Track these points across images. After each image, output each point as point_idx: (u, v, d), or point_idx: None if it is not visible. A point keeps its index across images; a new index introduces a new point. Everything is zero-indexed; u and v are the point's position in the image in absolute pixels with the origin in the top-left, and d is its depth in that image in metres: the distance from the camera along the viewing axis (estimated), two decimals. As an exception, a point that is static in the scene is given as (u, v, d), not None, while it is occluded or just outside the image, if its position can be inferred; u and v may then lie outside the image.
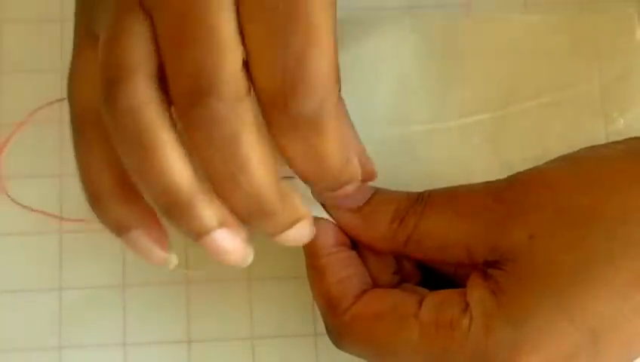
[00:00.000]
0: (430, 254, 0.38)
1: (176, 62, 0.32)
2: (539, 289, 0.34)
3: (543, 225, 0.35)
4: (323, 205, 0.39)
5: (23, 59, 0.47)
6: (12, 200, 0.44)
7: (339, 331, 0.38)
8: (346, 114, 0.37)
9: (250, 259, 0.35)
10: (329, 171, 0.34)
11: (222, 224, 0.34)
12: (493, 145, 0.44)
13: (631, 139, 0.38)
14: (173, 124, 0.33)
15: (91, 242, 0.44)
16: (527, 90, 0.45)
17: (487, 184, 0.38)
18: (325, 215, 0.39)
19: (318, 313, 0.39)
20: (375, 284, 0.39)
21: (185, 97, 0.32)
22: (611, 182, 0.36)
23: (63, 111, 0.37)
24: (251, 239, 0.35)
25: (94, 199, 0.35)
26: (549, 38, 0.45)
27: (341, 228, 0.39)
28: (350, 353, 0.38)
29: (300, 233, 0.36)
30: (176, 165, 0.32)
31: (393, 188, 0.39)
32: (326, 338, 0.38)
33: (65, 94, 0.36)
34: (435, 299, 0.37)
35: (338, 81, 0.33)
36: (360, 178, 0.37)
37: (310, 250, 0.39)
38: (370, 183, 0.39)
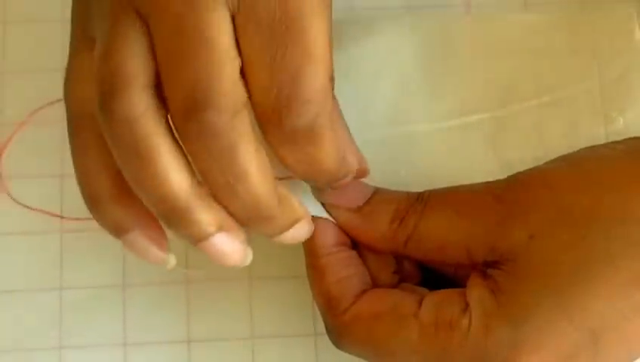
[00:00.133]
0: (430, 254, 0.38)
1: (172, 75, 0.32)
2: (538, 289, 0.34)
3: (542, 225, 0.35)
4: (323, 205, 0.39)
5: (25, 59, 0.47)
6: (13, 199, 0.44)
7: (338, 331, 0.38)
8: (338, 112, 0.37)
9: (249, 259, 0.36)
10: (326, 172, 0.35)
11: (220, 228, 0.34)
12: (493, 145, 0.44)
13: (630, 139, 0.38)
14: (170, 132, 0.33)
15: (92, 242, 0.44)
16: (526, 89, 0.45)
17: (487, 184, 0.38)
18: (325, 215, 0.39)
19: (318, 313, 0.39)
20: (375, 284, 0.39)
21: (181, 110, 0.32)
22: (611, 181, 0.36)
23: (64, 111, 0.37)
24: (250, 240, 0.35)
25: (92, 201, 0.35)
26: (548, 37, 0.45)
27: (341, 228, 0.39)
28: (350, 353, 0.38)
29: (299, 232, 0.36)
30: (172, 174, 0.32)
31: (393, 188, 0.39)
32: (326, 338, 0.38)
33: (66, 94, 0.36)
34: (434, 298, 0.37)
35: (332, 90, 0.33)
36: (355, 170, 0.37)
37: (310, 250, 0.39)
38: (371, 183, 0.39)
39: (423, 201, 0.38)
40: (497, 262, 0.36)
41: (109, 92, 0.32)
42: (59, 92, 0.44)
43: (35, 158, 0.45)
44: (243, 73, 0.32)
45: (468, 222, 0.37)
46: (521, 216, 0.36)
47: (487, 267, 0.36)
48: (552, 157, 0.38)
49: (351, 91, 0.44)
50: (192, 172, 0.33)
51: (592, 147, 0.38)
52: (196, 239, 0.34)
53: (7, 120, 0.46)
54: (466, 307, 0.35)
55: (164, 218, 0.34)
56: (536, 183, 0.37)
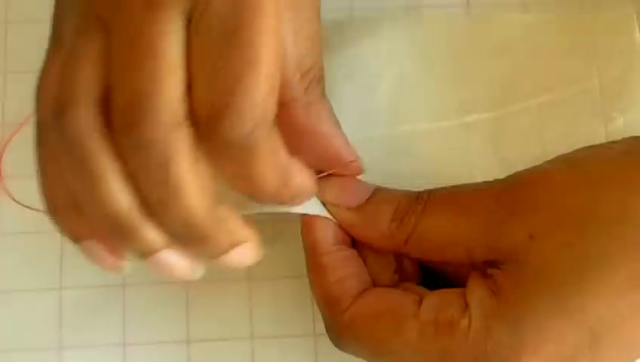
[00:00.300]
0: (430, 254, 0.38)
1: (117, 87, 0.31)
2: (538, 289, 0.34)
3: (542, 225, 0.35)
4: (324, 203, 0.39)
5: (26, 59, 0.47)
6: (13, 199, 0.44)
7: (338, 330, 0.38)
8: (329, 114, 0.37)
9: (199, 273, 0.35)
10: (264, 193, 0.34)
11: (168, 244, 0.34)
12: (493, 145, 0.44)
13: (630, 138, 0.38)
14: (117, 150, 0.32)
15: (92, 242, 0.44)
16: (526, 89, 0.45)
17: (487, 183, 0.38)
18: (326, 213, 0.39)
19: (318, 313, 0.39)
20: (375, 283, 0.39)
21: (119, 123, 0.31)
22: (610, 181, 0.36)
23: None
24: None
25: (51, 209, 0.35)
26: (548, 37, 0.45)
27: (341, 227, 0.39)
28: (349, 352, 0.38)
29: (241, 257, 0.35)
30: (116, 194, 0.32)
31: (393, 187, 0.39)
32: (326, 338, 0.38)
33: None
34: (434, 298, 0.37)
35: (274, 106, 0.32)
36: (313, 194, 0.37)
37: (310, 249, 0.39)
38: (371, 182, 0.39)
39: (423, 201, 0.38)
40: (497, 261, 0.36)
41: (58, 107, 0.32)
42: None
43: (35, 159, 0.45)
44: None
45: (468, 222, 0.37)
46: (521, 216, 0.36)
47: (487, 266, 0.36)
48: (552, 157, 0.38)
49: (351, 91, 0.44)
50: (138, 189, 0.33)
51: (592, 146, 0.38)
52: (142, 254, 0.34)
53: (7, 120, 0.46)
54: (466, 307, 0.35)
55: (111, 233, 0.33)
56: (535, 183, 0.37)
